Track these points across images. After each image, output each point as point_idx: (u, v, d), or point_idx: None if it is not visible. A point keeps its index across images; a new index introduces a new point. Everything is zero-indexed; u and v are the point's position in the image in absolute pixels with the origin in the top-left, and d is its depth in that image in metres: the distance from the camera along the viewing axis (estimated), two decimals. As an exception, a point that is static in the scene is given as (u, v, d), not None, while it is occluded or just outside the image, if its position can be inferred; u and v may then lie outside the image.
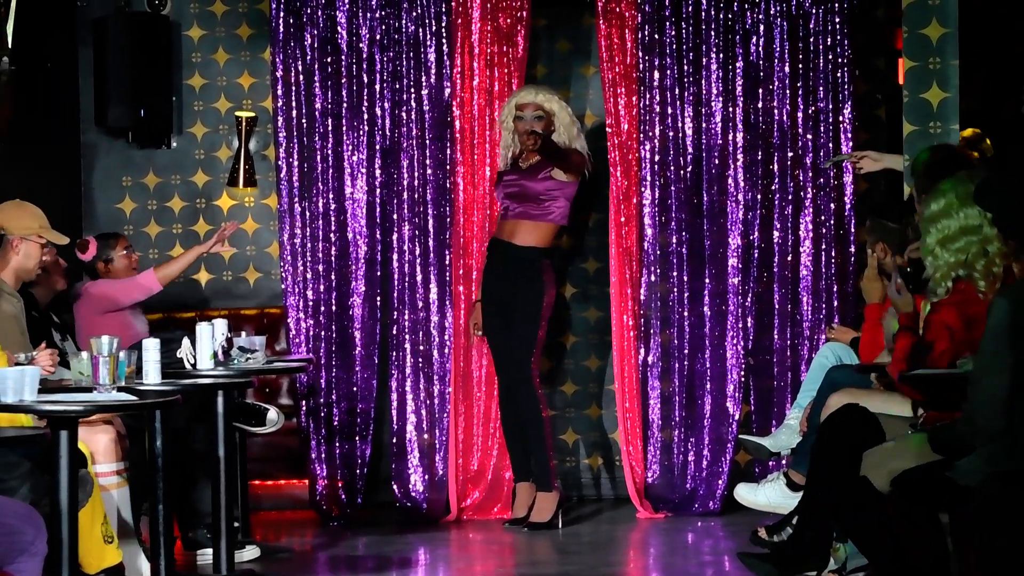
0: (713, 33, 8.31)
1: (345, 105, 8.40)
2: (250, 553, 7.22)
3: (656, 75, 8.33)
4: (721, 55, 8.32)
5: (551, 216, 8.03)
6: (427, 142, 8.41)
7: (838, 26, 8.26)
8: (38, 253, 6.56)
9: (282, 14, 8.41)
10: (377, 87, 8.41)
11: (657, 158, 8.33)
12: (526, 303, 7.98)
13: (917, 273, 5.69)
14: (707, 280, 8.32)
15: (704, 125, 8.33)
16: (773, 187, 8.32)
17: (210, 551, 6.80)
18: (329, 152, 8.41)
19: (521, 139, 7.96)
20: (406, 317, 8.39)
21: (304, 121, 8.42)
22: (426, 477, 8.32)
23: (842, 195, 8.30)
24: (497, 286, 8.06)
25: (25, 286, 6.69)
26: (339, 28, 8.41)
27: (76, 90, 8.83)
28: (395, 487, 8.36)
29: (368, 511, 8.39)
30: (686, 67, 8.34)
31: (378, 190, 8.42)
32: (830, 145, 8.25)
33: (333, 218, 8.41)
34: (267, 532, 8.01)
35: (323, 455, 8.34)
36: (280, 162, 8.44)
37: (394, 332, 8.41)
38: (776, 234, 8.31)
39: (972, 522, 4.74)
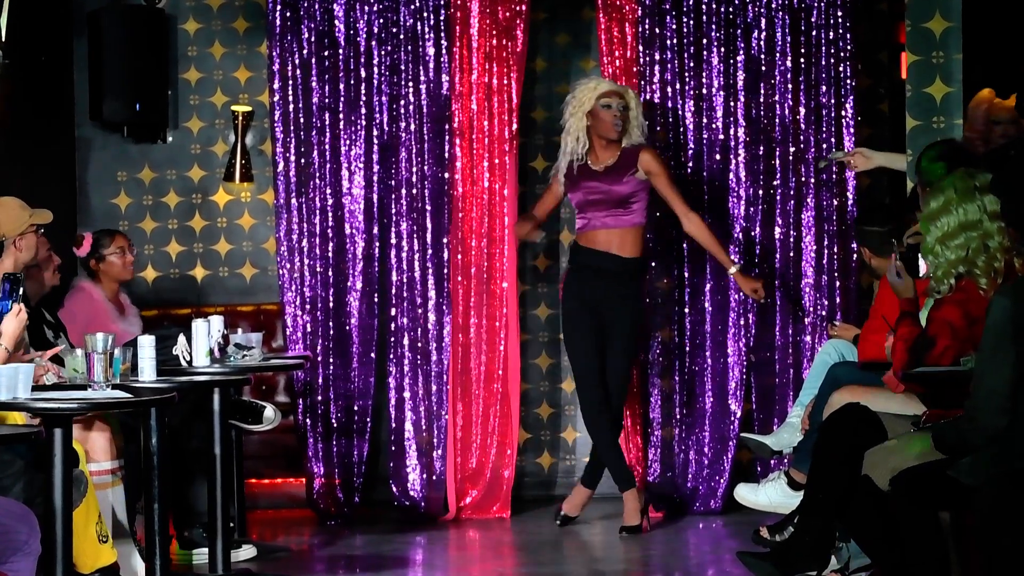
0: (714, 27, 8.27)
1: (342, 99, 8.36)
2: (246, 552, 7.20)
3: (656, 69, 8.28)
4: (722, 49, 8.27)
5: (639, 218, 7.78)
6: (425, 137, 8.35)
7: (840, 20, 8.21)
8: (35, 241, 6.55)
9: (279, 7, 8.36)
10: (375, 81, 8.36)
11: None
12: (627, 321, 7.74)
13: (916, 257, 5.68)
14: (708, 276, 8.28)
15: (705, 120, 8.28)
16: (774, 182, 8.27)
17: (206, 550, 6.78)
18: (326, 147, 8.36)
19: (605, 128, 7.72)
20: (404, 314, 8.34)
21: (301, 115, 8.37)
22: (424, 476, 8.27)
23: (844, 190, 8.25)
24: (593, 300, 7.74)
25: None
26: (336, 21, 8.36)
27: (71, 84, 8.79)
28: (393, 486, 8.31)
29: (366, 510, 8.35)
30: (687, 61, 8.29)
31: (376, 185, 8.37)
32: (832, 140, 8.20)
33: (330, 214, 8.36)
34: (263, 531, 7.97)
35: (320, 453, 8.29)
36: (277, 157, 8.39)
37: (392, 329, 8.36)
38: (778, 230, 8.26)
39: (976, 522, 4.75)
